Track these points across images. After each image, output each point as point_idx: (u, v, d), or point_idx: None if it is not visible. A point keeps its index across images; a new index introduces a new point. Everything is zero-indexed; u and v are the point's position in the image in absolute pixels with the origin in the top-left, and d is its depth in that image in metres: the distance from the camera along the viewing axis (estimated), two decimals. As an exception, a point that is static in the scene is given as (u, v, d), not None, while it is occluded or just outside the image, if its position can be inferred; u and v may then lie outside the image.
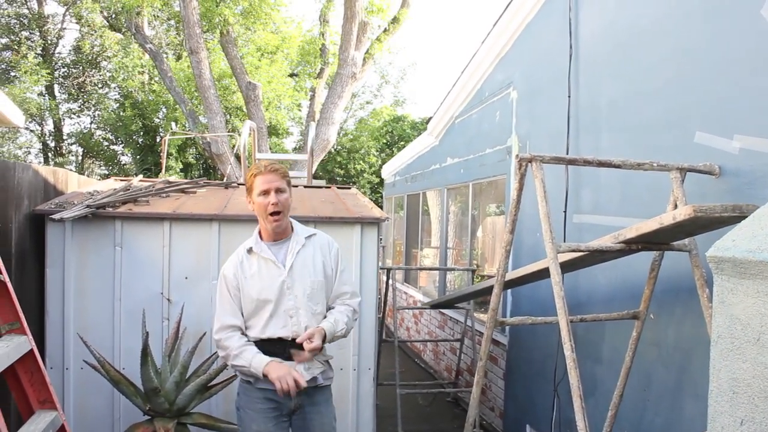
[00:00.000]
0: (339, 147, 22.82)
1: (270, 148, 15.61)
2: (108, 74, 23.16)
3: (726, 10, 3.32)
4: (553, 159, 3.15)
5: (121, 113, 20.45)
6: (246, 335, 3.15)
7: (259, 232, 3.23)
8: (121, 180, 5.67)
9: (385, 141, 22.99)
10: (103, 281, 4.20)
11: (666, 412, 3.64)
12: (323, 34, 16.38)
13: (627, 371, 3.70)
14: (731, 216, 2.59)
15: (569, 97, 4.85)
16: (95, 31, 22.85)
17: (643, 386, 3.85)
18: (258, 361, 3.01)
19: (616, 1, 4.46)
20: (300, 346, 3.03)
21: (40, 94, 21.53)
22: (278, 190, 3.06)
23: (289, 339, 3.09)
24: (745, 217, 2.14)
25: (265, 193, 3.04)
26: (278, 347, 3.10)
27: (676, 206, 3.21)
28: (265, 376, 2.98)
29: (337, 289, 3.28)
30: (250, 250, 3.17)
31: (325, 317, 3.20)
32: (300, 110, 23.04)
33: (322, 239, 3.31)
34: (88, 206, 4.12)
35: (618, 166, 3.23)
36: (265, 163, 3.13)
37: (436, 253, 9.41)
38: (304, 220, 3.93)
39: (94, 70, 23.49)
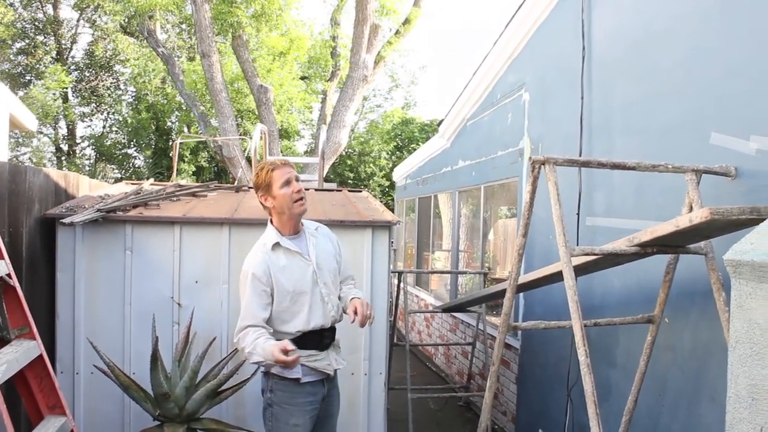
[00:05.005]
0: (349, 150, 22.81)
1: (281, 151, 15.63)
2: (122, 78, 23.34)
3: (742, 9, 3.27)
4: (566, 161, 3.11)
5: (137, 116, 20.56)
6: (265, 328, 3.15)
7: (276, 230, 3.29)
8: (132, 184, 5.67)
9: (395, 144, 22.97)
10: (113, 285, 4.19)
11: (682, 417, 3.58)
12: (334, 37, 16.39)
13: (642, 376, 3.65)
14: (749, 218, 2.54)
15: (582, 98, 4.80)
16: (108, 36, 23.01)
17: (658, 391, 3.79)
18: (268, 352, 2.97)
19: (630, 2, 4.41)
20: (331, 334, 3.31)
21: (55, 98, 21.69)
22: (296, 179, 3.23)
23: (327, 327, 3.26)
24: (763, 220, 2.10)
25: (288, 182, 3.17)
26: (316, 338, 3.23)
27: (691, 208, 3.16)
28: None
29: (344, 273, 3.49)
30: (275, 246, 3.21)
31: (339, 298, 3.40)
32: (311, 113, 23.08)
33: (325, 230, 3.52)
34: (98, 210, 4.12)
35: (632, 168, 3.18)
36: (275, 160, 3.27)
37: (448, 256, 9.37)
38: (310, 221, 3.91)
39: (106, 74, 23.63)
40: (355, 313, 3.15)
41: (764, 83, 3.07)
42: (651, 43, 4.09)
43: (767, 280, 1.84)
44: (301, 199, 3.21)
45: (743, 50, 3.24)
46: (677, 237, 2.89)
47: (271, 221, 3.32)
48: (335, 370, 3.36)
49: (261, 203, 3.28)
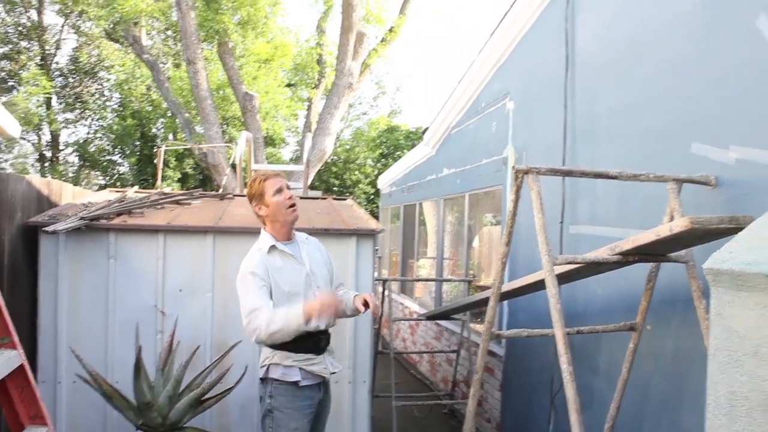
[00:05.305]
0: (335, 157, 22.82)
1: (266, 158, 15.61)
2: (107, 84, 23.20)
3: (722, 21, 3.32)
4: (549, 171, 3.14)
5: (122, 123, 20.45)
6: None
7: (271, 236, 3.38)
8: (117, 191, 5.64)
9: (381, 151, 23.01)
10: (96, 294, 4.16)
11: (664, 424, 3.61)
12: (320, 45, 16.40)
13: (624, 383, 3.68)
14: (728, 227, 2.58)
15: (566, 107, 4.84)
16: (92, 42, 22.88)
17: (640, 398, 3.82)
18: (294, 315, 3.08)
19: (613, 12, 4.46)
20: (327, 338, 3.37)
21: (39, 105, 21.52)
22: (288, 187, 3.37)
23: (322, 330, 3.33)
24: (741, 229, 2.12)
25: (280, 191, 3.31)
26: (312, 341, 3.29)
27: (672, 217, 3.20)
28: (307, 321, 3.09)
29: (336, 281, 3.61)
30: (271, 249, 3.30)
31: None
32: (297, 120, 23.07)
33: (315, 240, 3.64)
34: (81, 218, 4.10)
35: (614, 177, 3.21)
36: (267, 171, 3.43)
37: (432, 264, 9.38)
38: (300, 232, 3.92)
39: (91, 80, 23.49)
40: (365, 305, 3.28)
41: (743, 93, 3.12)
42: (633, 54, 4.13)
43: (745, 289, 1.87)
44: (293, 205, 3.34)
45: (723, 61, 3.28)
46: (658, 246, 2.92)
47: (265, 229, 3.40)
48: (331, 374, 3.44)
49: (255, 213, 3.39)
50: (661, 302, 3.61)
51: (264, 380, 3.31)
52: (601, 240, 4.12)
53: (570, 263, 3.15)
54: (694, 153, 3.41)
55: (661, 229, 2.72)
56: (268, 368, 3.27)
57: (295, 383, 3.24)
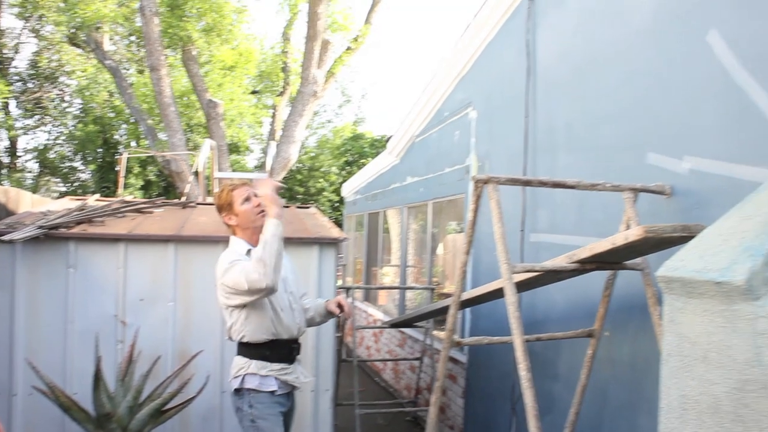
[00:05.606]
0: (300, 165, 22.77)
1: (231, 166, 15.50)
2: (68, 89, 22.81)
3: (675, 37, 3.41)
4: (508, 180, 3.18)
5: (84, 129, 20.12)
6: None
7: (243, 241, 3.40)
8: (77, 199, 5.56)
9: (345, 159, 23.02)
10: (55, 304, 4.10)
11: (622, 428, 3.67)
12: (285, 52, 16.38)
13: (583, 389, 3.74)
14: (680, 236, 2.65)
15: (527, 117, 4.91)
16: (53, 46, 22.49)
17: (599, 404, 3.88)
18: (265, 232, 3.12)
19: (572, 26, 4.54)
20: (298, 347, 3.42)
21: (-4, 111, 21.10)
22: (255, 195, 3.37)
23: (294, 339, 3.38)
24: (693, 237, 2.18)
25: (248, 199, 3.35)
26: (285, 351, 3.34)
27: (628, 226, 3.27)
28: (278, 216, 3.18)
29: (300, 290, 3.62)
30: (248, 252, 3.30)
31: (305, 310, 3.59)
32: (261, 127, 22.97)
33: None
34: (40, 227, 4.03)
35: (572, 187, 3.27)
36: (233, 181, 3.50)
37: (396, 272, 9.41)
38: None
39: (51, 85, 23.08)
40: (339, 307, 3.44)
41: (695, 106, 3.21)
42: (591, 66, 4.22)
43: (696, 296, 1.92)
44: (263, 211, 3.33)
45: (676, 75, 3.37)
46: (614, 254, 2.98)
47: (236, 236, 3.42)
48: (301, 383, 3.47)
49: (225, 223, 3.40)
50: (619, 309, 3.68)
51: (239, 391, 3.29)
52: (561, 248, 4.18)
53: (528, 271, 3.19)
54: (650, 163, 3.50)
55: (617, 238, 2.78)
56: (243, 378, 3.26)
57: (272, 392, 3.27)
